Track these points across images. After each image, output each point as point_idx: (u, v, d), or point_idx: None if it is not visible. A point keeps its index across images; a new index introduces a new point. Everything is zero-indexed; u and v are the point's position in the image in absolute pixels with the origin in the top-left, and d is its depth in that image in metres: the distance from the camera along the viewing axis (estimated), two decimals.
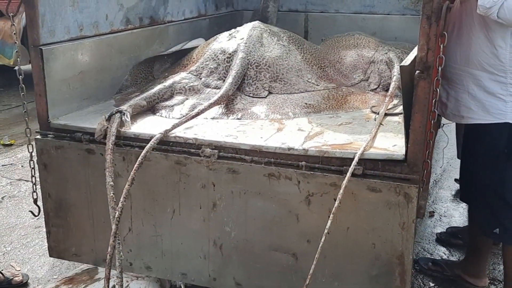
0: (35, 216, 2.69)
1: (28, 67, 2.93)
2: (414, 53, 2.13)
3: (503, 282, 2.68)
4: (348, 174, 2.06)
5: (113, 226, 2.10)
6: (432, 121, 2.09)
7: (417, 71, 1.98)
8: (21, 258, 3.22)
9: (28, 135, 2.64)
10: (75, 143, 2.53)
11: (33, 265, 3.15)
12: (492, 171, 2.48)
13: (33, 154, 2.64)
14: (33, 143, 2.60)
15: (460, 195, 2.92)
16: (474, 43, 2.43)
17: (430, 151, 2.19)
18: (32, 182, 2.62)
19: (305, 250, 2.30)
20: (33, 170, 2.65)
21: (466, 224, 3.49)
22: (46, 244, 2.76)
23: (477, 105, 2.45)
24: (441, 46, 2.00)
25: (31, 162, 2.65)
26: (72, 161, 2.56)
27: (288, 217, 2.30)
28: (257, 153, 2.31)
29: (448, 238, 3.47)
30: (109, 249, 2.08)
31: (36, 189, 2.65)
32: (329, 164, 2.21)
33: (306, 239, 2.30)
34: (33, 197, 2.67)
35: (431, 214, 3.89)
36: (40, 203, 2.67)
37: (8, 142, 5.46)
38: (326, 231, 2.00)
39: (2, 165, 4.82)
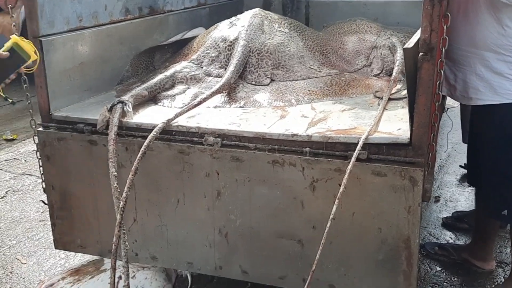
0: (46, 204, 2.67)
1: None
2: (417, 35, 2.10)
3: (510, 265, 2.67)
4: (353, 159, 2.04)
5: (118, 216, 2.09)
6: (437, 104, 2.07)
7: (421, 53, 1.96)
8: (26, 251, 3.23)
9: (33, 126, 2.63)
10: (78, 134, 2.52)
11: (39, 257, 3.16)
12: (500, 152, 2.47)
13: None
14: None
15: (468, 179, 2.91)
16: (480, 24, 2.40)
17: (435, 133, 2.17)
18: (40, 172, 2.61)
19: (310, 237, 2.29)
20: (40, 160, 2.64)
21: (472, 208, 3.48)
22: (51, 236, 2.76)
23: (485, 86, 2.43)
24: (445, 27, 1.97)
25: (38, 153, 2.64)
26: (75, 153, 2.55)
27: (293, 203, 2.29)
28: (261, 140, 2.29)
29: (454, 222, 3.46)
30: (114, 239, 2.08)
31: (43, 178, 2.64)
32: (333, 150, 2.19)
33: (311, 225, 2.29)
34: (42, 187, 2.66)
35: (437, 199, 3.88)
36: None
37: (11, 137, 5.46)
38: (331, 216, 1.99)
39: (5, 160, 4.83)
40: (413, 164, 2.07)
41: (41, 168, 2.65)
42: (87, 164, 2.55)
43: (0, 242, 3.33)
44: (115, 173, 2.20)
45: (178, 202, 2.47)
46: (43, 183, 2.67)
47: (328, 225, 1.99)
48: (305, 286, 2.05)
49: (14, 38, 2.16)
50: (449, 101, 4.44)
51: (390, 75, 2.88)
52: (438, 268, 2.94)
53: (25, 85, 2.57)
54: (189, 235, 2.50)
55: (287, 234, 2.35)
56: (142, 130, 2.40)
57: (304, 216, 2.29)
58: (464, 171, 4.24)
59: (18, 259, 3.12)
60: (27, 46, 2.17)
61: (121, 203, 2.10)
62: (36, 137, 2.63)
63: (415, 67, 2.00)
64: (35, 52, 2.19)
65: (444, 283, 2.80)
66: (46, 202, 2.70)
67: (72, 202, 2.65)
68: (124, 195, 2.11)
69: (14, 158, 4.80)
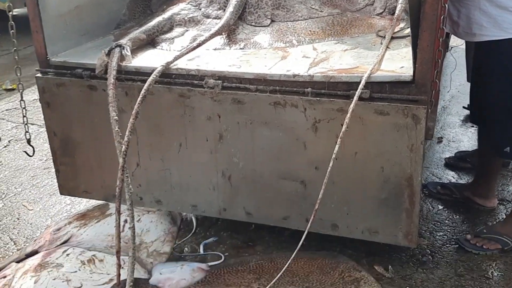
0: (30, 156, 2.70)
1: (25, 10, 2.85)
2: None
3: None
4: (355, 98, 2.02)
5: (120, 160, 2.09)
6: (440, 39, 2.03)
7: None
8: (32, 198, 3.26)
9: (18, 74, 2.61)
10: (76, 79, 2.50)
11: (45, 204, 3.19)
12: (504, 88, 2.43)
13: (23, 97, 2.64)
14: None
15: (470, 117, 2.88)
16: None
17: (439, 70, 2.14)
18: (23, 122, 2.62)
19: (313, 177, 2.30)
20: (24, 110, 2.63)
21: (475, 148, 3.48)
22: (56, 183, 2.78)
23: (489, 21, 2.37)
24: None
25: (22, 102, 2.64)
26: (75, 98, 2.54)
27: (295, 145, 2.29)
28: (262, 81, 2.26)
29: (456, 162, 3.46)
30: (117, 183, 2.09)
31: (28, 129, 2.64)
32: (336, 89, 2.16)
33: (314, 166, 2.29)
34: (26, 137, 2.67)
35: (440, 140, 3.88)
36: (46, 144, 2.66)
37: (10, 87, 5.42)
38: (333, 156, 1.98)
39: (6, 110, 4.82)
40: (416, 102, 2.05)
41: (24, 118, 2.64)
42: (88, 109, 2.53)
43: (6, 190, 3.36)
44: (116, 117, 2.18)
45: (181, 146, 2.47)
46: (27, 134, 2.67)
47: (330, 165, 1.99)
48: (308, 225, 2.07)
49: None
50: (453, 41, 4.37)
51: (393, 13, 2.80)
52: (440, 207, 2.97)
53: (12, 31, 2.51)
54: (193, 178, 2.52)
55: (289, 176, 2.36)
56: (142, 74, 2.37)
57: (307, 157, 2.29)
58: (467, 112, 4.21)
59: (24, 206, 3.16)
60: None
61: (123, 147, 2.10)
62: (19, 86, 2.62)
63: (419, 2, 1.94)
64: None
65: (446, 221, 2.83)
66: (30, 154, 2.72)
67: (74, 148, 2.65)
68: (125, 139, 2.10)
69: (15, 108, 4.78)
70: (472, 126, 4.02)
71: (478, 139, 2.91)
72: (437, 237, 2.70)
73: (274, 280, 2.12)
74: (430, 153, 3.65)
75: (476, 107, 2.75)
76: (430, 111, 2.15)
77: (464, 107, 4.31)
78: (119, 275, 2.18)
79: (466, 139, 3.89)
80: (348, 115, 1.99)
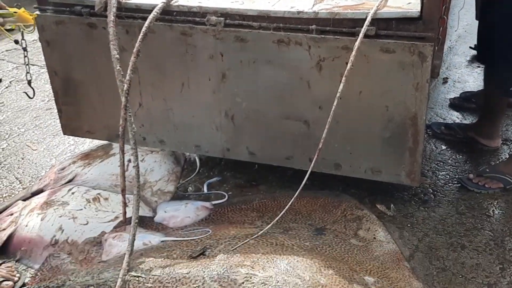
0: (30, 98, 2.69)
1: None
2: None
3: None
4: (361, 35, 1.97)
5: (123, 99, 2.07)
6: None
7: None
8: (36, 139, 3.26)
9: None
10: (76, 17, 2.44)
11: (48, 144, 3.20)
12: None
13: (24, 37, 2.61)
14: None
15: (477, 56, 2.84)
16: None
17: (447, 6, 2.08)
18: (24, 63, 2.59)
19: (317, 117, 2.29)
20: (25, 51, 2.60)
21: (480, 88, 3.44)
22: (59, 124, 2.77)
23: None
24: None
25: (23, 41, 2.60)
26: (75, 37, 2.49)
27: (299, 84, 2.26)
28: (265, 18, 2.21)
29: (461, 102, 3.44)
30: (120, 122, 2.08)
31: (29, 70, 2.61)
32: (341, 27, 2.11)
33: (318, 106, 2.28)
34: (27, 79, 2.65)
35: (445, 81, 3.83)
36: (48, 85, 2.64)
37: (10, 27, 5.32)
38: (338, 94, 1.96)
39: (6, 50, 4.76)
40: (423, 39, 2.01)
41: (25, 58, 2.61)
42: (88, 48, 2.49)
43: (9, 130, 3.37)
44: (117, 56, 2.14)
45: (183, 86, 2.44)
46: (28, 75, 2.64)
47: (334, 104, 1.97)
48: (312, 165, 2.07)
49: None
50: None
51: None
52: (444, 147, 2.97)
53: None
54: (196, 118, 2.51)
55: (293, 115, 2.35)
56: (142, 11, 2.32)
57: (311, 96, 2.27)
58: (474, 52, 4.14)
59: (28, 146, 3.17)
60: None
61: (125, 86, 2.07)
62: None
63: None
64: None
65: (449, 161, 2.83)
66: (31, 96, 2.70)
67: (76, 88, 2.63)
68: (127, 77, 2.07)
69: (15, 48, 4.71)
70: (478, 67, 3.97)
71: (484, 79, 2.87)
72: (439, 176, 2.72)
73: (277, 218, 2.14)
74: (435, 94, 3.61)
75: (483, 46, 2.70)
76: (436, 49, 2.11)
77: (470, 47, 4.24)
78: (125, 213, 2.21)
79: (472, 79, 3.84)
80: (353, 53, 1.95)
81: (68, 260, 2.13)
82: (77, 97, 2.66)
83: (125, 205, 2.20)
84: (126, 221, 2.23)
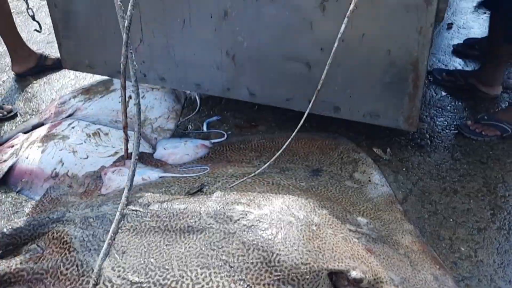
0: (39, 32, 2.66)
1: None
2: None
3: None
4: None
5: (124, 36, 2.05)
6: None
7: None
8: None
9: None
10: None
11: (49, 78, 3.20)
12: None
13: None
14: None
15: (484, 1, 2.78)
16: None
17: None
18: None
19: (318, 59, 2.27)
20: None
21: (485, 35, 3.39)
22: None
23: None
24: None
25: None
26: None
27: (301, 24, 2.23)
28: None
29: (465, 49, 3.40)
30: (122, 59, 2.07)
31: (29, 5, 2.58)
32: None
33: (319, 47, 2.26)
34: (28, 14, 2.61)
35: (449, 26, 3.77)
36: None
37: None
38: (339, 36, 1.94)
39: None
40: None
41: None
42: None
43: (9, 63, 3.34)
44: None
45: (184, 23, 2.41)
46: (29, 10, 2.60)
47: (335, 45, 1.95)
48: (310, 105, 2.08)
49: None
50: None
51: None
52: (443, 93, 2.96)
53: None
54: (196, 56, 2.49)
55: (294, 56, 2.33)
56: None
57: (313, 37, 2.25)
58: None
59: (28, 79, 3.16)
60: None
61: (126, 22, 2.05)
62: None
63: None
64: None
65: (448, 107, 2.84)
66: (39, 30, 2.66)
67: (76, 21, 2.60)
68: (128, 13, 2.05)
69: None
70: (484, 13, 3.89)
71: (489, 25, 2.83)
72: (437, 122, 2.73)
73: (273, 158, 2.17)
74: (439, 40, 3.57)
75: None
76: None
77: None
78: (126, 149, 2.24)
79: (477, 25, 3.78)
80: None
81: (68, 193, 2.18)
82: (78, 31, 2.63)
83: (127, 142, 2.22)
84: (128, 157, 2.26)
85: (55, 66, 3.19)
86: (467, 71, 3.14)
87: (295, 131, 2.07)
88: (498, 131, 2.57)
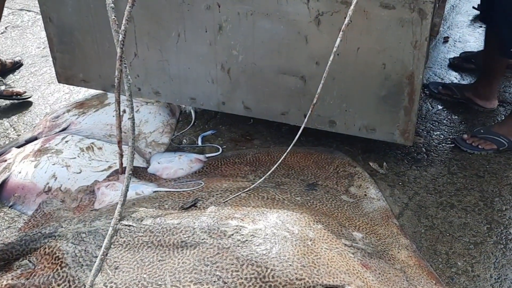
0: None
1: None
2: None
3: None
4: None
5: (118, 50, 2.04)
6: None
7: None
8: (30, 86, 3.24)
9: None
10: None
11: (43, 92, 3.18)
12: None
13: None
14: None
15: (480, 15, 2.79)
16: None
17: None
18: None
19: (314, 73, 2.27)
20: None
21: (481, 49, 3.40)
22: (54, 72, 2.75)
23: None
24: None
25: None
26: None
27: (297, 38, 2.23)
28: None
29: (461, 62, 3.41)
30: (116, 73, 2.06)
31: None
32: None
33: (315, 61, 2.26)
34: None
35: (446, 40, 3.79)
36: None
37: None
38: (335, 49, 1.93)
39: None
40: None
41: None
42: None
43: (3, 77, 3.34)
44: (112, 4, 2.10)
45: (179, 37, 2.41)
46: None
47: (331, 58, 1.95)
48: (305, 120, 2.07)
49: None
50: None
51: None
52: (440, 107, 2.96)
53: None
54: (191, 70, 2.49)
55: (290, 70, 2.33)
56: None
57: (308, 51, 2.24)
58: (477, 12, 4.08)
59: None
60: None
61: (120, 36, 2.04)
62: None
63: None
64: None
65: (444, 121, 2.83)
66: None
67: (71, 35, 2.59)
68: (122, 27, 2.04)
69: None
70: (480, 27, 3.91)
71: (485, 39, 2.84)
72: (433, 136, 2.72)
73: (269, 173, 2.16)
74: (435, 53, 3.58)
75: (486, 5, 2.65)
76: (437, 7, 2.07)
77: (474, 7, 4.17)
78: (121, 163, 2.22)
79: (473, 39, 3.80)
80: (352, 7, 1.92)
81: (61, 207, 2.15)
82: (72, 45, 2.63)
83: (121, 156, 2.20)
84: (122, 172, 2.24)
85: (15, 67, 3.43)
86: (463, 84, 3.14)
87: (290, 146, 2.06)
88: (494, 144, 2.56)
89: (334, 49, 1.93)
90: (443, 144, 2.66)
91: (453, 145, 2.64)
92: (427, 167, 2.49)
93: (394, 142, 2.34)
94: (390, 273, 1.77)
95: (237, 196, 2.03)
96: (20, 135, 2.75)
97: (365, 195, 2.25)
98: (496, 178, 2.41)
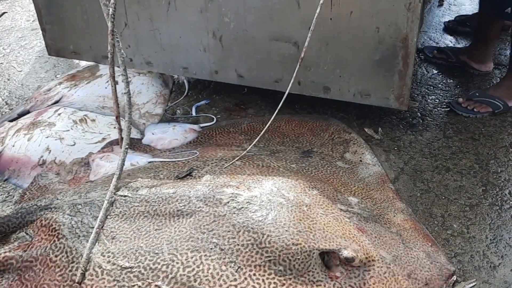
0: None
1: None
2: None
3: (507, 66, 2.66)
4: None
5: (109, 24, 2.00)
6: None
7: None
8: (21, 59, 3.20)
9: None
10: None
11: (34, 65, 3.15)
12: None
13: None
14: None
15: None
16: None
17: None
18: None
19: (306, 38, 2.24)
20: None
21: (476, 12, 3.37)
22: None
23: None
24: None
25: None
26: None
27: (289, 4, 2.20)
28: None
29: (456, 26, 3.37)
30: (108, 48, 2.02)
31: None
32: None
33: (308, 27, 2.21)
34: None
35: (440, 3, 3.75)
36: None
37: None
38: (318, 11, 1.90)
39: None
40: None
41: None
42: None
43: None
44: None
45: (169, 5, 2.37)
46: None
47: (313, 21, 1.91)
48: (291, 82, 2.04)
49: None
50: None
51: None
52: (435, 71, 2.94)
53: None
54: (183, 39, 2.45)
55: (282, 36, 2.29)
56: None
57: (300, 16, 2.21)
58: None
59: (13, 67, 3.11)
60: None
61: (110, 10, 2.00)
62: None
63: None
64: None
65: (439, 85, 2.81)
66: None
67: (59, 7, 2.55)
68: (112, 0, 2.00)
69: None
70: None
71: (479, 1, 2.80)
72: (429, 100, 2.71)
73: (258, 137, 2.14)
74: (430, 17, 3.54)
75: None
76: None
77: None
78: (121, 138, 2.20)
79: (468, 2, 3.76)
80: None
81: (56, 180, 2.15)
82: (61, 16, 2.58)
83: (121, 131, 2.18)
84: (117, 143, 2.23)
85: None
86: (458, 48, 3.12)
87: (276, 110, 2.05)
88: (490, 107, 2.56)
89: (317, 11, 1.89)
90: (439, 108, 2.65)
91: (448, 109, 2.63)
92: (423, 131, 2.49)
93: (389, 107, 2.33)
94: (386, 237, 1.78)
95: (232, 163, 2.02)
96: (12, 109, 2.73)
97: (361, 160, 2.25)
98: (492, 141, 2.40)
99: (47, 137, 2.30)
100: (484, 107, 2.56)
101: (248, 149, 2.12)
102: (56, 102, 2.62)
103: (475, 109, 2.56)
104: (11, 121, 2.52)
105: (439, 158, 2.32)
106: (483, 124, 2.51)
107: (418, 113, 2.61)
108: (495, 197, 2.09)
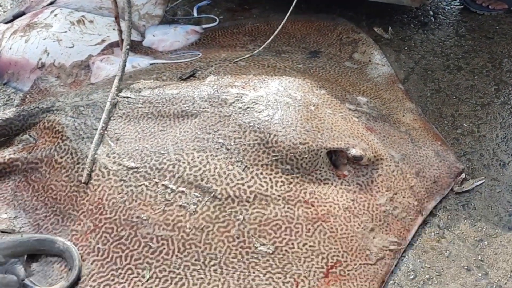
0: None
1: None
2: None
3: None
4: None
5: None
6: None
7: None
8: None
9: None
10: None
11: None
12: None
13: None
14: None
15: None
16: None
17: None
18: None
19: None
20: None
21: None
22: None
23: None
24: None
25: None
26: None
27: None
28: None
29: None
30: None
31: None
32: None
33: None
34: None
35: None
36: None
37: None
38: None
39: None
40: None
41: None
42: None
43: None
44: None
45: None
46: None
47: None
48: None
49: None
50: None
51: None
52: None
53: None
54: None
55: None
56: None
57: None
58: None
59: None
60: None
61: None
62: None
63: None
64: None
65: None
66: None
67: None
68: None
69: None
70: None
71: None
72: None
73: (268, 40, 2.07)
74: None
75: None
76: None
77: None
78: (121, 40, 2.11)
79: None
80: None
81: (57, 83, 2.09)
82: None
83: (120, 33, 2.09)
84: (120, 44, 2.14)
85: None
86: None
87: (288, 13, 1.95)
88: (505, 4, 2.43)
89: None
90: (452, 6, 2.53)
91: (462, 6, 2.51)
92: (434, 30, 2.39)
93: (401, 4, 2.22)
94: (395, 136, 1.75)
95: (236, 62, 1.96)
96: (6, 11, 2.62)
97: (370, 61, 2.18)
98: (506, 39, 2.31)
99: (44, 39, 2.22)
100: (499, 4, 2.44)
101: (258, 51, 2.04)
102: (52, 2, 2.51)
103: (490, 6, 2.44)
104: (6, 23, 2.42)
105: (451, 57, 2.24)
106: (497, 22, 2.41)
107: (431, 11, 2.49)
108: (508, 96, 2.04)
